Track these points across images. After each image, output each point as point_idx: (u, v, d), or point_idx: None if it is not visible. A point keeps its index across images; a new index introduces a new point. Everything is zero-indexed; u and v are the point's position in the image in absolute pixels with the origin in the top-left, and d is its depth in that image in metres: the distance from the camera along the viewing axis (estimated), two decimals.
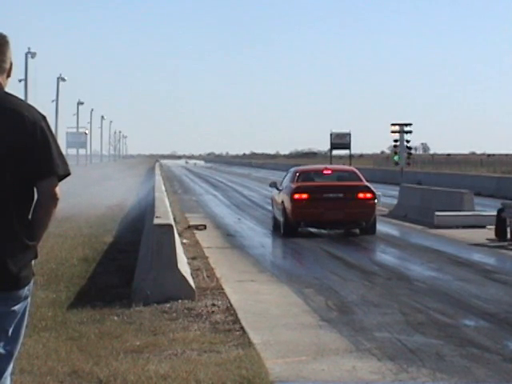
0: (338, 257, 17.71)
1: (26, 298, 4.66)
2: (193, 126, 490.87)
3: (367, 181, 22.81)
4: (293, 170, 23.77)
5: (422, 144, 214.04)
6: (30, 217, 4.64)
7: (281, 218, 21.98)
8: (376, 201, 22.05)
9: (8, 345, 4.62)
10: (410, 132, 46.82)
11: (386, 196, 35.19)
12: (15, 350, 4.67)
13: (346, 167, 27.72)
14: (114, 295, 11.82)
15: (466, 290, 13.44)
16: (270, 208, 26.34)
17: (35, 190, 4.65)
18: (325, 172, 23.42)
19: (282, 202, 21.85)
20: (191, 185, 58.82)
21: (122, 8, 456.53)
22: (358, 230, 21.77)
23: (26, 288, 4.65)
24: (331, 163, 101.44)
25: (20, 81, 78.13)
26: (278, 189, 23.28)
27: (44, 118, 4.69)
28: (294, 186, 21.78)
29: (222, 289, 12.82)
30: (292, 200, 21.25)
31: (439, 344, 9.43)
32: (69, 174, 4.68)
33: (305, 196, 21.43)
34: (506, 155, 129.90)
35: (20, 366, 7.83)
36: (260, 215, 29.39)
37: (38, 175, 4.57)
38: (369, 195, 21.81)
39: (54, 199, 4.61)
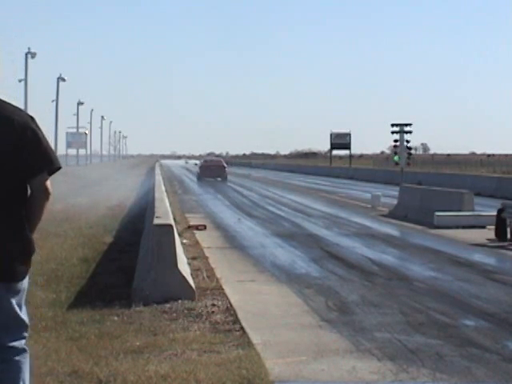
0: (337, 257, 17.71)
1: (23, 290, 4.91)
2: (193, 126, 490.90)
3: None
4: (203, 159, 75.71)
5: (422, 144, 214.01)
6: (24, 211, 4.91)
7: (197, 175, 67.64)
8: (226, 169, 65.37)
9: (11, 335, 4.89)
10: (410, 132, 46.80)
11: (385, 196, 35.20)
12: (19, 335, 4.95)
13: (219, 159, 78.40)
14: (113, 295, 11.82)
15: (466, 290, 13.44)
16: (270, 208, 33.45)
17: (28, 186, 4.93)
18: (211, 159, 74.87)
19: (197, 170, 69.64)
20: (191, 185, 58.82)
21: (122, 8, 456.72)
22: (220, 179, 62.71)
23: (25, 280, 4.89)
24: (331, 163, 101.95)
25: (20, 81, 78.07)
26: (198, 165, 74.91)
27: (32, 118, 4.97)
28: (200, 164, 69.24)
29: (222, 289, 12.82)
30: (200, 169, 66.72)
31: (439, 344, 9.43)
32: (60, 168, 4.99)
33: (204, 168, 66.06)
34: (506, 155, 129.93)
35: None
36: (260, 215, 29.40)
37: (31, 173, 4.89)
38: (224, 167, 65.04)
39: (47, 193, 4.95)
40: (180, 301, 11.37)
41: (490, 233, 21.86)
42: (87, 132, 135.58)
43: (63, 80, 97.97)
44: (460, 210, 25.36)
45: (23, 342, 4.97)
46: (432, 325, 10.54)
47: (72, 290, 12.41)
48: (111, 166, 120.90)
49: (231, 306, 11.45)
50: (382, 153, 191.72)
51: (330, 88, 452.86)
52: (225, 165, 65.85)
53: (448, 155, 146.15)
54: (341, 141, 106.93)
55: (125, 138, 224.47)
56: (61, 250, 17.05)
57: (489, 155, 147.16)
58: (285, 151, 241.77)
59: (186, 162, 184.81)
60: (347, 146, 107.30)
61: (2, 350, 4.88)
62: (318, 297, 12.59)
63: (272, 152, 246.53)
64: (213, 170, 64.48)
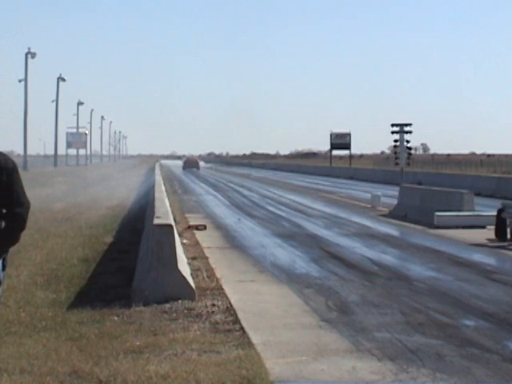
0: (337, 257, 17.71)
1: None
2: (193, 126, 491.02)
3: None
4: (185, 158, 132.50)
5: (422, 144, 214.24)
6: None
7: (182, 167, 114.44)
8: (199, 163, 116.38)
9: None
10: (410, 132, 46.80)
11: (386, 196, 35.21)
12: None
13: (196, 157, 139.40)
14: (113, 295, 11.82)
15: (465, 290, 13.44)
16: (270, 208, 33.51)
17: None
18: (191, 157, 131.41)
19: (182, 164, 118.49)
20: (191, 185, 58.82)
21: (122, 8, 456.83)
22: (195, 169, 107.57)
23: None
24: (331, 163, 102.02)
25: (20, 81, 78.07)
26: (182, 161, 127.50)
27: None
28: (184, 160, 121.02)
29: (222, 289, 12.82)
30: (184, 163, 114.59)
31: (439, 344, 9.43)
32: None
33: (186, 163, 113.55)
34: (506, 155, 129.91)
35: (20, 365, 7.84)
36: (260, 215, 29.40)
37: None
38: (197, 162, 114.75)
39: None
40: (180, 301, 11.37)
41: (489, 233, 21.86)
42: (87, 132, 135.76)
43: (63, 80, 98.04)
44: (460, 210, 25.36)
45: None
46: (432, 325, 10.55)
47: (72, 290, 12.41)
48: (111, 165, 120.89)
49: (231, 306, 11.45)
50: (382, 153, 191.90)
51: (329, 88, 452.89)
52: (198, 161, 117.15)
53: (448, 155, 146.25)
54: (341, 141, 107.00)
55: (125, 138, 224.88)
56: (61, 250, 17.05)
57: (489, 155, 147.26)
58: (285, 151, 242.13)
59: None
60: (347, 146, 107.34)
61: None
62: (318, 297, 12.59)
63: (272, 152, 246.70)
64: (191, 164, 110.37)
